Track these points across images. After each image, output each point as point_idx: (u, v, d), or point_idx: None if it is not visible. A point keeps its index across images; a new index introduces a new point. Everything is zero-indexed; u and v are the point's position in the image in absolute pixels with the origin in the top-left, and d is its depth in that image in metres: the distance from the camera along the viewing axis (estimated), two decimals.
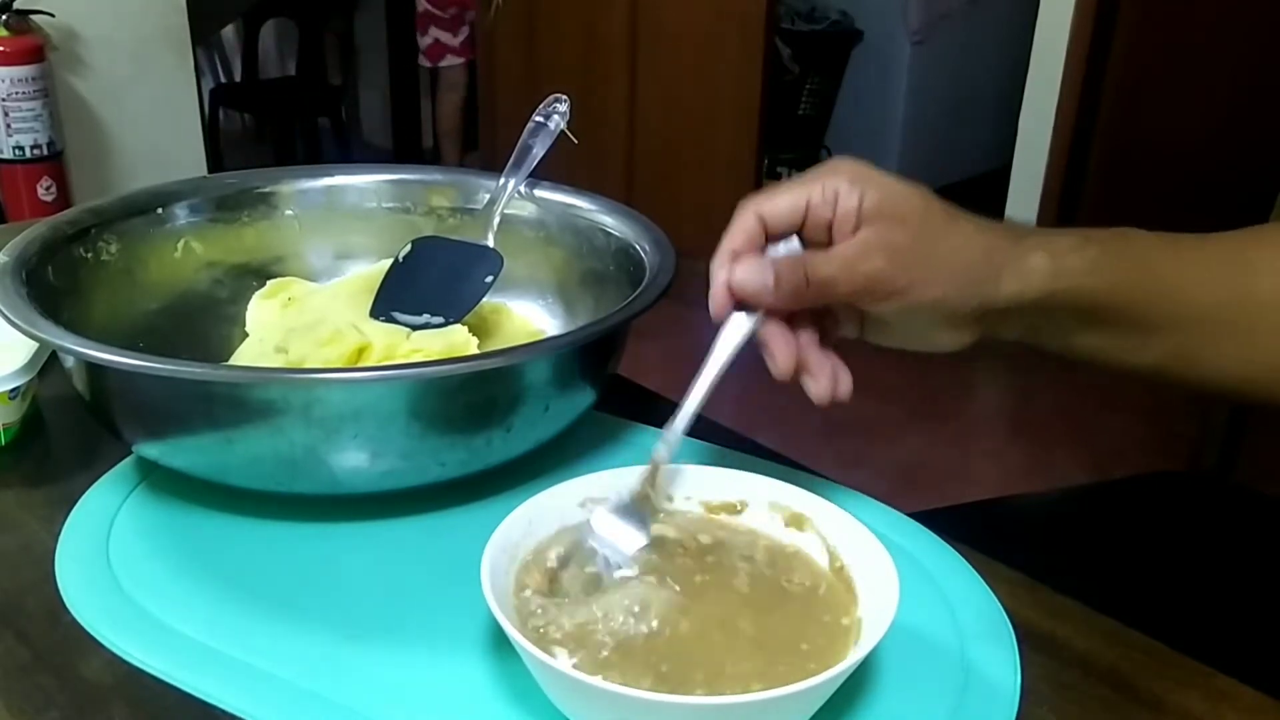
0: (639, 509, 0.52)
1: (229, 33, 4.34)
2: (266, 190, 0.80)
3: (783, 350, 0.53)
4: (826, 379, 0.53)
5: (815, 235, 0.53)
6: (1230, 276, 0.56)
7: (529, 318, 0.78)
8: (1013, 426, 2.54)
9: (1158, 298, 0.55)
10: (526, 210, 0.78)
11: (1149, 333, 0.55)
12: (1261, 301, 0.55)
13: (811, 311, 0.54)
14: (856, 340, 0.56)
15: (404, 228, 0.80)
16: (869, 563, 0.49)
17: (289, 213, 0.80)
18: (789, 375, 0.53)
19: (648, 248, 0.70)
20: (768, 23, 2.74)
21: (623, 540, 0.51)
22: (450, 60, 3.67)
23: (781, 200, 0.52)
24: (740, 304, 0.53)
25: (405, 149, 4.24)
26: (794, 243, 0.53)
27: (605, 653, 0.45)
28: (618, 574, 0.50)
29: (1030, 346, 0.56)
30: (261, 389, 0.55)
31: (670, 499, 0.54)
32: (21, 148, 2.35)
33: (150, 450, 0.61)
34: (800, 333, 0.53)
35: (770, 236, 0.53)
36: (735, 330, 0.53)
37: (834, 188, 0.51)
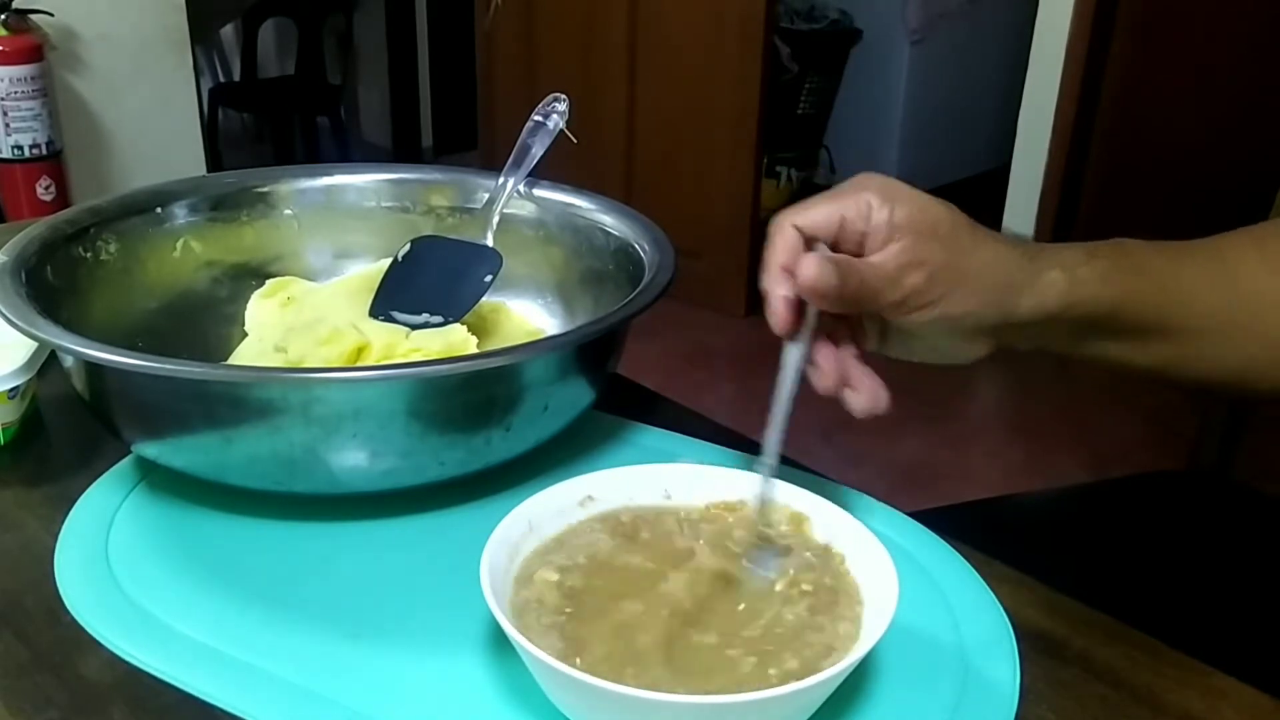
0: (765, 547, 0.52)
1: (228, 32, 4.33)
2: (265, 189, 0.79)
3: (829, 364, 0.54)
4: (868, 392, 0.54)
5: (846, 248, 0.53)
6: (1221, 281, 0.59)
7: (528, 317, 0.78)
8: (1013, 426, 2.54)
9: (1161, 305, 0.57)
10: (525, 209, 0.78)
11: (1153, 337, 0.58)
12: (1251, 303, 0.59)
13: (848, 326, 0.55)
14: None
15: (403, 227, 0.80)
16: (868, 562, 0.49)
17: (288, 212, 0.80)
18: (834, 389, 0.53)
19: (647, 247, 0.70)
20: (767, 22, 2.74)
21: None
22: None
23: (817, 212, 0.53)
24: (799, 315, 0.53)
25: (404, 148, 4.24)
26: (826, 252, 0.53)
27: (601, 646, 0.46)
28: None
29: (1040, 352, 0.58)
30: (260, 388, 0.55)
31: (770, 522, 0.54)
32: (20, 147, 2.35)
33: (149, 450, 0.61)
34: (841, 347, 0.54)
35: (807, 247, 0.54)
36: (796, 350, 0.53)
37: (865, 200, 0.53)
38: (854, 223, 0.53)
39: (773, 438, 0.53)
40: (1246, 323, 0.59)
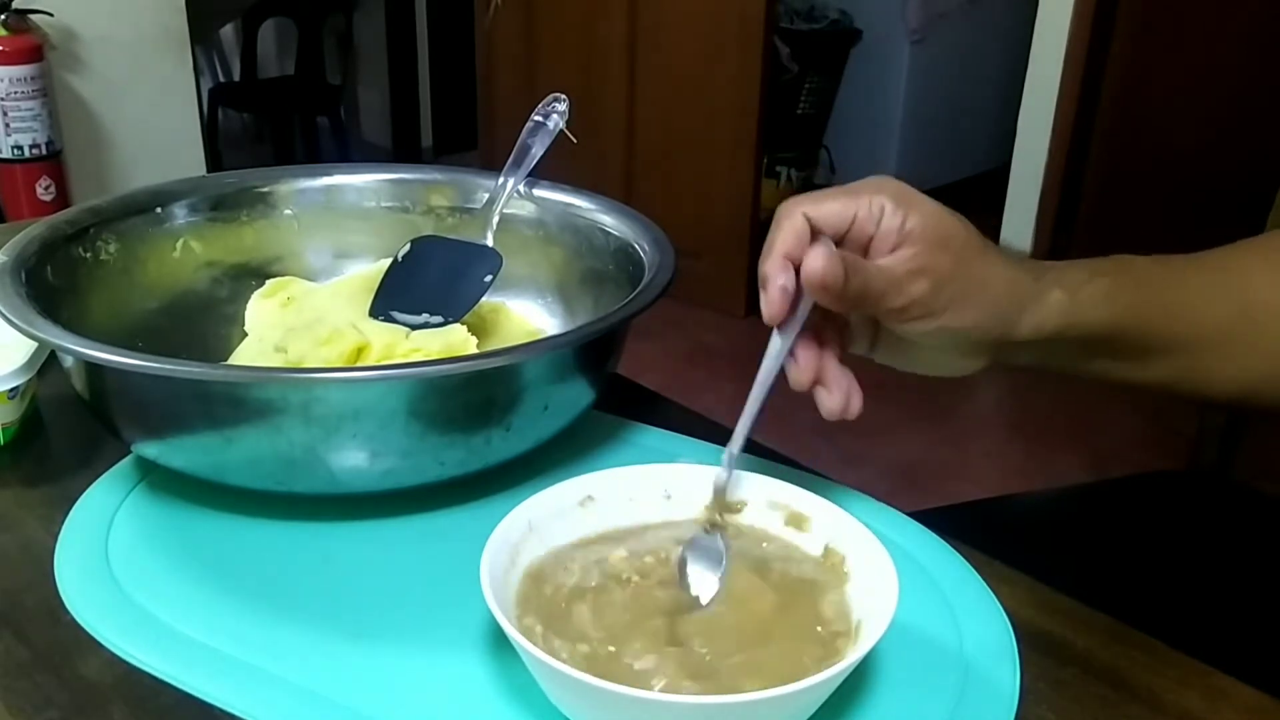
0: (713, 537, 0.52)
1: (228, 32, 4.33)
2: (265, 190, 0.79)
3: (808, 360, 0.53)
4: (841, 394, 0.53)
5: (850, 248, 0.53)
6: (1225, 295, 0.58)
7: (528, 317, 0.78)
8: (1012, 426, 2.54)
9: (1163, 323, 0.56)
10: (525, 209, 0.78)
11: (1155, 354, 0.57)
12: (1256, 316, 0.58)
13: (835, 325, 0.54)
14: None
15: (403, 227, 0.79)
16: (869, 562, 0.49)
17: (288, 212, 0.80)
18: (808, 386, 0.53)
19: (647, 247, 0.70)
20: (767, 22, 2.74)
21: (706, 579, 0.51)
22: None
23: (830, 206, 0.52)
24: (794, 306, 0.52)
25: (404, 148, 4.24)
26: (831, 247, 0.52)
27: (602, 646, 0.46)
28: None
29: (1041, 369, 0.58)
30: (260, 388, 0.55)
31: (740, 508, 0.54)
32: (20, 147, 2.35)
33: (149, 450, 0.61)
34: (825, 347, 0.53)
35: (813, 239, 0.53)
36: (781, 341, 0.53)
37: (880, 204, 0.52)
38: (865, 224, 0.52)
39: (742, 426, 0.53)
40: (1252, 336, 0.58)
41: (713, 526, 0.53)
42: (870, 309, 0.52)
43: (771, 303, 0.52)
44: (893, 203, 0.52)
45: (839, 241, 0.52)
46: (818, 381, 0.53)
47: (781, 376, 0.53)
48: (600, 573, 0.50)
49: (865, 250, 0.52)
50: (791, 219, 0.52)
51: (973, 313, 0.52)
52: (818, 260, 0.49)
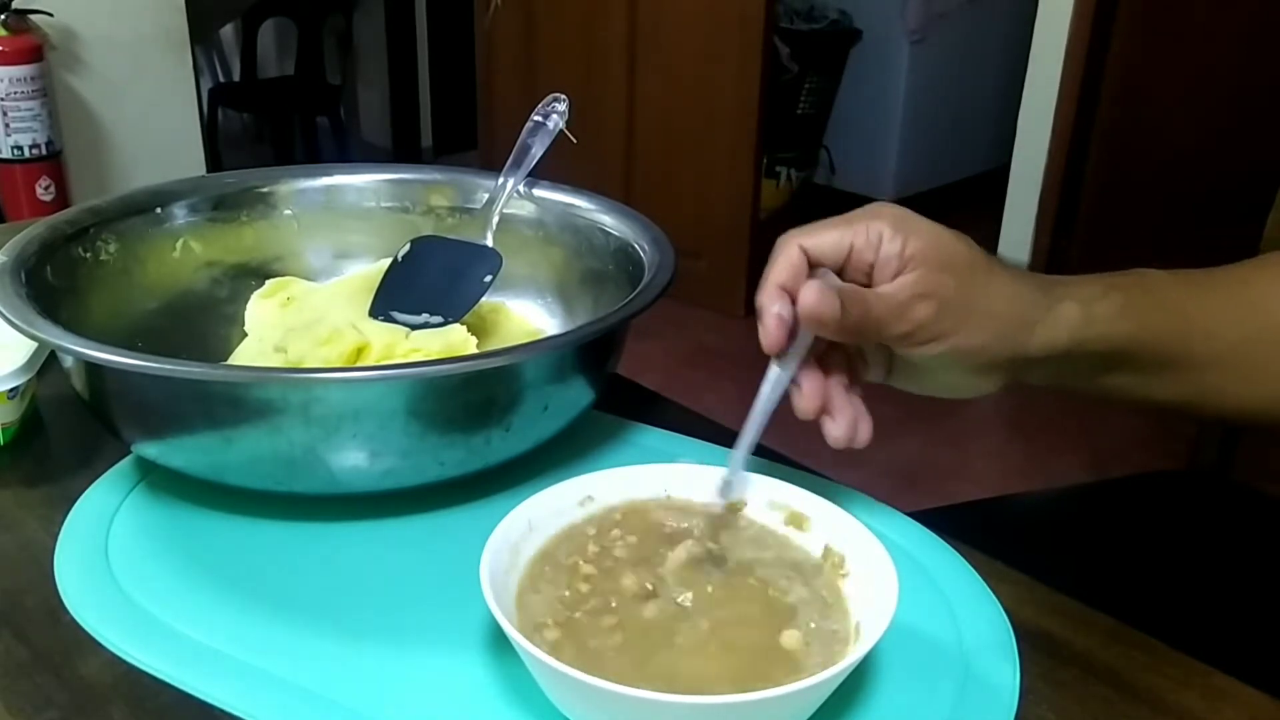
0: (715, 555, 0.52)
1: (228, 32, 4.34)
2: (265, 190, 0.79)
3: (813, 389, 0.53)
4: (847, 423, 0.53)
5: (853, 277, 0.52)
6: (1243, 313, 0.57)
7: (528, 317, 0.78)
8: (1013, 426, 2.54)
9: (1180, 338, 0.56)
10: (525, 209, 0.78)
11: (1173, 371, 0.56)
12: (1274, 335, 0.57)
13: (844, 353, 0.54)
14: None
15: (403, 227, 0.80)
16: (869, 562, 0.49)
17: (288, 212, 0.80)
18: (814, 415, 0.53)
19: (647, 247, 0.70)
20: (767, 22, 2.74)
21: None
22: None
23: (827, 236, 0.52)
24: (792, 336, 0.52)
25: (404, 148, 4.24)
26: (832, 278, 0.52)
27: (601, 646, 0.46)
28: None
29: (1056, 388, 0.57)
30: (260, 388, 0.55)
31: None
32: (20, 147, 2.35)
33: (149, 450, 0.61)
34: (831, 374, 0.53)
35: (811, 272, 0.53)
36: (780, 372, 0.52)
37: (878, 231, 0.51)
38: (863, 252, 0.52)
39: (739, 456, 0.53)
40: (1270, 356, 0.57)
41: (715, 544, 0.52)
42: (875, 337, 0.52)
43: (768, 332, 0.51)
44: (891, 228, 0.51)
45: (840, 271, 0.52)
46: (823, 410, 0.53)
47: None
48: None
49: (868, 278, 0.52)
50: (787, 251, 0.52)
51: (980, 333, 0.52)
52: (810, 295, 0.49)
